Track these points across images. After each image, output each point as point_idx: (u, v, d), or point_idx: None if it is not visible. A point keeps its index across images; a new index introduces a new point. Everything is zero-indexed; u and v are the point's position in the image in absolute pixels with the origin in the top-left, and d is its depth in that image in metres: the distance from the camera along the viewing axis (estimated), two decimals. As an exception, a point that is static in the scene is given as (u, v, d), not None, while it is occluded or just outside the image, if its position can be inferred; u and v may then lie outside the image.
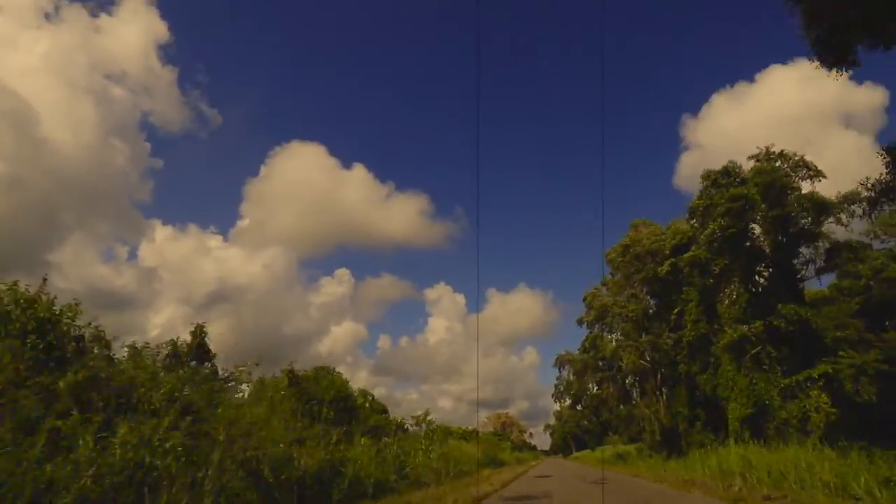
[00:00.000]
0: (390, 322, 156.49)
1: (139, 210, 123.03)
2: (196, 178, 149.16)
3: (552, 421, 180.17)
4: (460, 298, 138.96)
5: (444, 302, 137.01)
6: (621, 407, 52.92)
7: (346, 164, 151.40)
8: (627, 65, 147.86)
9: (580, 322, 51.29)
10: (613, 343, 44.36)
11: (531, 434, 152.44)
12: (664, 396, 43.50)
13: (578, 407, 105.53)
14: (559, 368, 53.50)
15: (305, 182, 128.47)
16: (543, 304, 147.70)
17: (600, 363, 49.04)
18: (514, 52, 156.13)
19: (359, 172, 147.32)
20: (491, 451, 46.66)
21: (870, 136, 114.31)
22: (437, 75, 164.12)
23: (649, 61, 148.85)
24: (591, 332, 45.62)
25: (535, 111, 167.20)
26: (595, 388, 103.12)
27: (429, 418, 27.20)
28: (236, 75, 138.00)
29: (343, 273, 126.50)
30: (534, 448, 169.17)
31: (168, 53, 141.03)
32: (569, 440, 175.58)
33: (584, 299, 50.80)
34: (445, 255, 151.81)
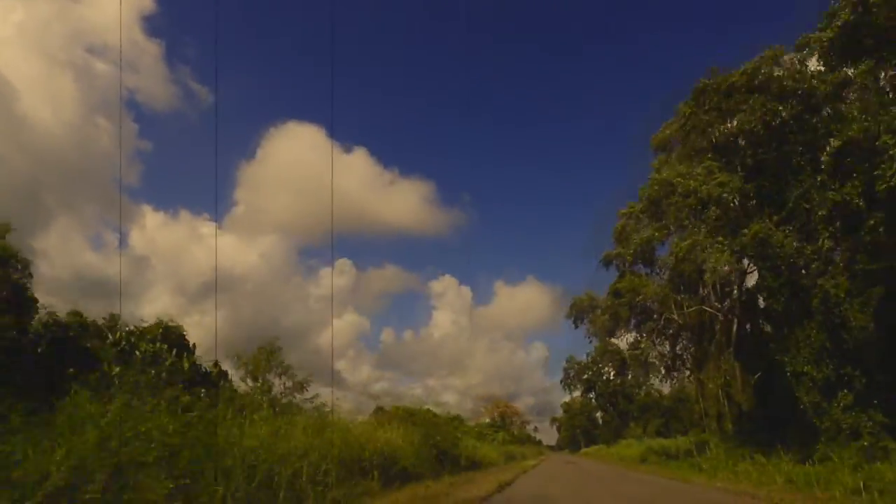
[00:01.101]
0: (394, 315, 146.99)
1: (127, 194, 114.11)
2: (186, 160, 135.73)
3: (560, 414, 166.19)
4: (466, 291, 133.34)
5: (450, 295, 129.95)
6: (657, 383, 36.48)
7: (347, 147, 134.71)
8: (639, 52, 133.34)
9: (606, 261, 35.41)
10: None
11: (536, 428, 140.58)
12: (738, 362, 27.74)
13: (591, 395, 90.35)
14: (574, 321, 37.05)
15: (303, 166, 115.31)
16: (552, 298, 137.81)
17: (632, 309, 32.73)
18: (531, 39, 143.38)
19: (360, 156, 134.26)
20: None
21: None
22: (445, 53, 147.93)
23: (662, 49, 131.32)
24: (636, 241, 28.59)
25: (553, 104, 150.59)
26: (612, 373, 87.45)
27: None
28: (227, 50, 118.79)
29: (344, 263, 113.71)
30: (539, 442, 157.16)
31: (153, 25, 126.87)
32: (578, 435, 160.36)
33: (615, 230, 35.08)
34: (451, 246, 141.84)
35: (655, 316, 31.33)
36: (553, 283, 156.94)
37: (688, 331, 30.28)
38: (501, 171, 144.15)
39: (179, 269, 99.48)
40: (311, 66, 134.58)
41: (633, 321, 32.69)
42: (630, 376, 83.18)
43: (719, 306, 28.48)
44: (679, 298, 28.83)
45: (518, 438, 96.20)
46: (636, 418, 78.07)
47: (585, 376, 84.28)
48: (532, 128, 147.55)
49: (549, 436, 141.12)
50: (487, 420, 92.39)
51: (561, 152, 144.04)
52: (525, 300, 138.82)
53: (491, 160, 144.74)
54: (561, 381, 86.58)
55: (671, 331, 30.70)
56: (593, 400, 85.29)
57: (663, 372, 34.38)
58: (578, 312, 36.86)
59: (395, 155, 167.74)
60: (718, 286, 27.15)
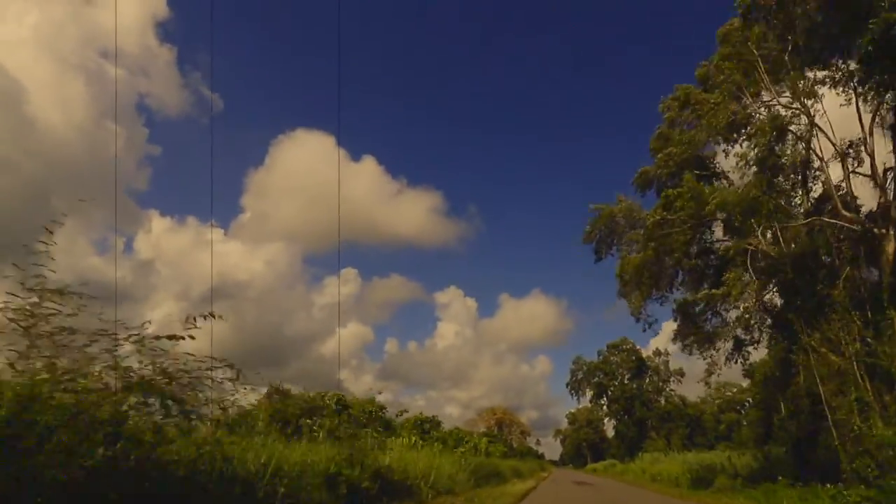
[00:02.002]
0: (398, 325, 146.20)
1: (134, 199, 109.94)
2: (195, 166, 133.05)
3: (564, 426, 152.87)
4: (472, 303, 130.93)
5: (455, 306, 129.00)
6: (721, 358, 23.58)
7: (356, 155, 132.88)
8: (653, 58, 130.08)
9: (642, 182, 23.21)
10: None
11: (539, 441, 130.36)
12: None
13: (602, 401, 77.22)
14: (596, 248, 23.57)
15: (311, 174, 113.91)
16: (558, 311, 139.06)
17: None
18: (541, 51, 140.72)
19: (369, 165, 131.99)
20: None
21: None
22: (457, 64, 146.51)
23: (675, 57, 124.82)
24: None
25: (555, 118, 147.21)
26: (627, 375, 74.20)
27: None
28: (239, 57, 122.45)
29: (349, 272, 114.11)
30: (541, 456, 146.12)
31: (167, 31, 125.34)
32: (584, 448, 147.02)
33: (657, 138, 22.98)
34: (457, 257, 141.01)
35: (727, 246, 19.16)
36: (559, 296, 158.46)
37: (786, 269, 17.95)
38: (509, 184, 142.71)
39: (184, 274, 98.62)
40: (321, 73, 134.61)
41: (693, 250, 20.27)
42: (648, 380, 70.95)
43: (851, 216, 16.39)
44: (774, 205, 16.68)
45: (518, 451, 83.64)
46: (655, 428, 65.48)
47: (596, 379, 71.83)
48: (541, 140, 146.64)
49: (552, 450, 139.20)
50: (483, 429, 79.82)
51: (569, 166, 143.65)
52: (530, 313, 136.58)
53: (499, 172, 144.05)
54: (567, 385, 74.19)
55: (759, 267, 18.24)
56: (605, 406, 72.61)
57: (731, 345, 21.72)
58: (605, 231, 23.48)
59: (403, 164, 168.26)
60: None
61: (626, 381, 69.42)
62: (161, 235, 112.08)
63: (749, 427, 40.21)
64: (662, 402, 68.93)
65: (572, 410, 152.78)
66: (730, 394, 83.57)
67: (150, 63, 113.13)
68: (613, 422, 72.36)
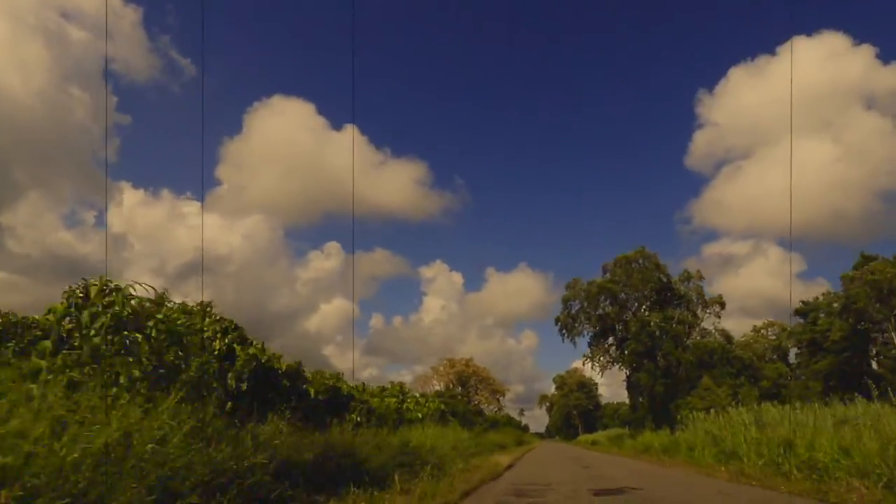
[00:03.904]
0: (383, 300, 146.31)
1: (103, 170, 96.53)
2: (167, 136, 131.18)
3: (552, 390, 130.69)
4: (457, 277, 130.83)
5: (441, 281, 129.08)
6: None
7: (337, 124, 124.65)
8: (638, 36, 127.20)
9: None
10: None
11: (522, 412, 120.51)
12: None
13: (610, 341, 53.88)
14: None
15: (289, 143, 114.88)
16: (545, 286, 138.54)
17: None
18: (532, 24, 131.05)
19: (350, 134, 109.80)
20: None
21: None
22: (444, 34, 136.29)
23: (661, 32, 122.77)
24: None
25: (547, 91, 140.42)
26: (648, 303, 49.55)
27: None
28: (211, 19, 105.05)
29: (333, 246, 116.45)
30: (524, 428, 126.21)
31: None
32: (574, 417, 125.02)
33: None
34: (443, 230, 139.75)
35: None
36: (545, 271, 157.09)
37: None
38: (495, 156, 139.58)
39: (159, 249, 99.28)
40: (299, 38, 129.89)
41: None
42: (678, 311, 48.20)
43: None
44: None
45: (489, 419, 61.08)
46: (690, 380, 42.52)
47: (601, 310, 48.56)
48: (529, 114, 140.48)
49: (538, 423, 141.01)
50: (439, 387, 56.88)
51: (557, 140, 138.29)
52: (517, 287, 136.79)
53: (485, 144, 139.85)
54: (557, 322, 50.74)
55: None
56: (610, 351, 48.98)
57: None
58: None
59: (386, 134, 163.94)
60: None
61: (645, 311, 46.26)
62: (134, 209, 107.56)
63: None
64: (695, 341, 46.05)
65: (562, 374, 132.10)
66: (773, 336, 61.47)
67: (113, 25, 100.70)
68: (625, 373, 49.15)
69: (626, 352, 45.68)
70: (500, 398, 62.92)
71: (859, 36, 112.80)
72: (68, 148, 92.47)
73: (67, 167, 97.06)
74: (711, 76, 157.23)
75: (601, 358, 48.43)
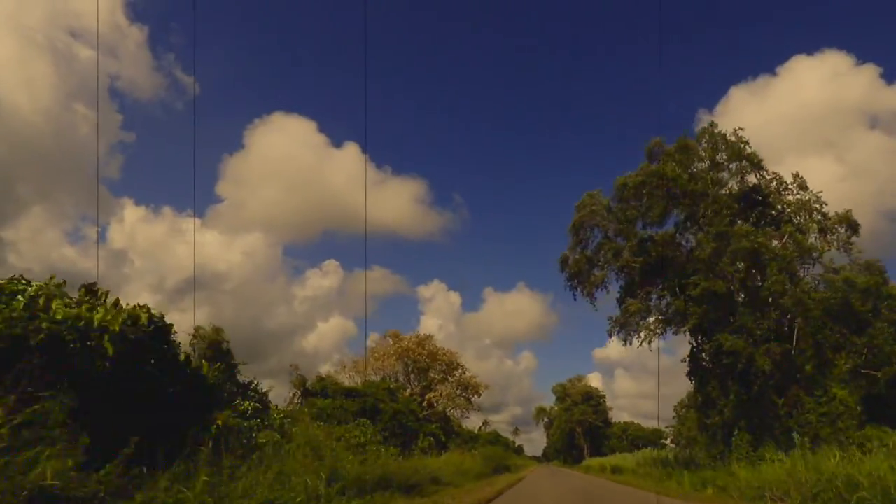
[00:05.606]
0: (380, 319, 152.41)
1: (106, 187, 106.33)
2: (169, 153, 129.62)
3: (552, 403, 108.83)
4: (455, 297, 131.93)
5: (438, 300, 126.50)
6: None
7: (337, 142, 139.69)
8: (638, 57, 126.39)
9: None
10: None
11: (517, 430, 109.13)
12: None
13: (652, 297, 30.93)
14: None
15: (290, 160, 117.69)
16: (543, 306, 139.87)
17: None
18: (531, 43, 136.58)
19: (351, 152, 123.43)
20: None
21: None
22: (443, 46, 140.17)
23: (661, 52, 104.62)
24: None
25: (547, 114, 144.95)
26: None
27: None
28: (214, 37, 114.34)
29: (331, 264, 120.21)
30: (518, 449, 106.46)
31: (136, 10, 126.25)
32: (578, 435, 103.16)
33: None
34: (441, 250, 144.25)
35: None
36: (544, 291, 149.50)
37: None
38: (494, 176, 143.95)
39: (159, 265, 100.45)
40: (300, 56, 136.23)
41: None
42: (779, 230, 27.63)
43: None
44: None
45: (460, 434, 39.44)
46: (822, 354, 22.09)
47: (632, 241, 28.34)
48: (529, 133, 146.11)
49: (534, 447, 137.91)
50: (376, 377, 35.86)
51: (556, 160, 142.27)
52: (515, 308, 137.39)
53: (484, 163, 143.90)
54: (562, 268, 30.27)
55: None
56: (656, 313, 28.29)
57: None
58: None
59: (387, 152, 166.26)
60: None
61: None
62: (135, 225, 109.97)
63: None
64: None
65: (562, 382, 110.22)
66: None
67: (119, 43, 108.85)
68: (689, 342, 28.18)
69: (689, 303, 24.81)
70: (475, 397, 41.46)
71: (862, 55, 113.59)
72: (72, 164, 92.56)
73: (71, 183, 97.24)
74: (712, 96, 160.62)
75: (642, 322, 27.59)
